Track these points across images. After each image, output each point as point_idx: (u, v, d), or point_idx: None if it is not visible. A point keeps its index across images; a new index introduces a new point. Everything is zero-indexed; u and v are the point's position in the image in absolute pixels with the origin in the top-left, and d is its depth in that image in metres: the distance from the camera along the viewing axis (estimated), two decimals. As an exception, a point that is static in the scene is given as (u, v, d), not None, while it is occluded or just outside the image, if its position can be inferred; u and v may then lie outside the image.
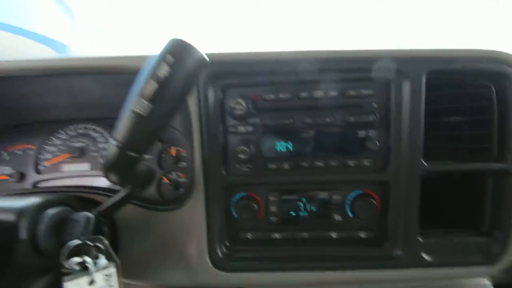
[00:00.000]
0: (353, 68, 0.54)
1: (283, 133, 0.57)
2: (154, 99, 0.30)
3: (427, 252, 0.57)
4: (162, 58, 0.30)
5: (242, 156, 0.55)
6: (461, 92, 0.57)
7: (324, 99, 0.55)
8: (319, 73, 0.54)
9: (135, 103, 0.31)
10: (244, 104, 0.54)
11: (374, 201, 0.57)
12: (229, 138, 0.57)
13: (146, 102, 0.30)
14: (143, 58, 0.42)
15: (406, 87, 0.53)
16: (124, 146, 0.32)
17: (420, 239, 0.57)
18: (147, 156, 0.74)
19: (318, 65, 0.53)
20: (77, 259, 0.43)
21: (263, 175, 0.58)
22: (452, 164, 0.56)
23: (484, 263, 0.57)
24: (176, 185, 0.71)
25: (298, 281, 0.59)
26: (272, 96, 0.55)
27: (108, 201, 0.52)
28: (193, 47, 0.31)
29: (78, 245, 0.44)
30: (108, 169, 0.35)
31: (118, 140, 0.33)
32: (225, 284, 0.60)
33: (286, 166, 0.57)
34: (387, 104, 0.55)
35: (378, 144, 0.56)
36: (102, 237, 0.45)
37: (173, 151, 0.74)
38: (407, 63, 0.53)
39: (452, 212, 0.61)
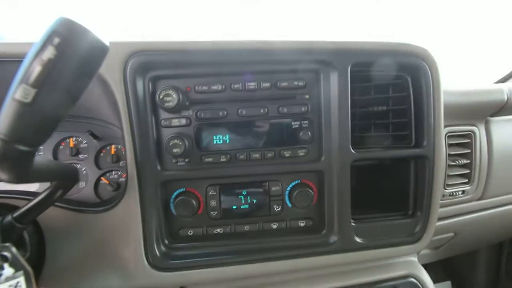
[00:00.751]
0: (283, 60, 0.55)
1: (218, 126, 0.57)
2: (38, 84, 0.28)
3: (360, 236, 0.60)
4: (46, 38, 0.28)
5: (177, 150, 0.54)
6: (384, 83, 0.61)
7: (257, 90, 0.56)
8: (251, 64, 0.55)
9: (17, 90, 0.28)
10: (175, 96, 0.52)
11: (310, 191, 0.59)
12: (162, 132, 0.56)
13: (29, 88, 0.28)
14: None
15: (334, 79, 0.56)
16: (9, 139, 0.29)
17: (353, 224, 0.60)
18: (82, 156, 0.69)
19: (249, 56, 0.54)
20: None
21: (200, 169, 0.57)
22: (378, 151, 0.59)
23: (409, 242, 0.62)
24: (116, 184, 0.68)
25: (240, 274, 0.59)
26: (205, 88, 0.55)
27: (26, 205, 0.47)
28: (85, 28, 0.29)
29: (-21, 255, 0.39)
30: None
31: (1, 133, 0.29)
32: (164, 284, 0.58)
33: (223, 159, 0.57)
34: (318, 95, 0.58)
35: (311, 135, 0.57)
36: (7, 245, 0.41)
37: (112, 149, 0.70)
38: (334, 55, 0.55)
39: (383, 197, 0.66)
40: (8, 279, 0.38)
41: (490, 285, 1.79)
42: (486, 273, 1.78)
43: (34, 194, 0.58)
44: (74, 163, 0.69)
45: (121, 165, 0.69)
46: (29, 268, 0.41)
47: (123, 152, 0.70)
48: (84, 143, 0.70)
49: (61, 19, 0.29)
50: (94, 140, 0.69)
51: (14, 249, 0.41)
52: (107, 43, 0.32)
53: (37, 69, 0.28)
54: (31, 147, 0.32)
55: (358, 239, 0.60)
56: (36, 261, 0.55)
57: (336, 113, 0.56)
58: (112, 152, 0.69)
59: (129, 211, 0.56)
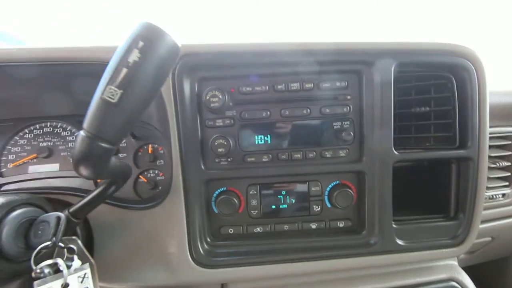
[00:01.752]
0: (326, 61, 0.56)
1: (261, 126, 0.59)
2: (125, 85, 0.30)
3: (400, 238, 0.61)
4: (131, 42, 0.30)
5: (220, 149, 0.56)
6: (427, 84, 0.61)
7: (300, 91, 0.57)
8: (294, 65, 0.56)
9: (104, 90, 0.31)
10: (221, 97, 0.55)
11: (350, 191, 0.59)
12: (207, 132, 0.58)
13: (116, 89, 0.30)
14: (112, 49, 0.42)
15: (377, 79, 0.57)
16: (95, 136, 0.32)
17: (394, 225, 0.60)
18: (121, 155, 0.72)
19: (293, 57, 0.55)
20: (48, 262, 0.41)
21: (242, 168, 0.59)
22: (420, 152, 0.60)
23: (451, 245, 0.62)
24: (153, 183, 0.70)
25: (280, 273, 0.61)
26: (249, 89, 0.57)
27: (81, 201, 0.51)
28: (164, 32, 0.32)
29: (48, 247, 0.42)
30: (78, 161, 0.34)
31: (88, 130, 0.32)
32: (208, 281, 0.61)
33: (265, 158, 0.59)
34: (360, 96, 0.59)
35: (353, 135, 0.58)
36: (75, 238, 0.44)
37: (149, 148, 0.73)
38: (377, 56, 0.56)
39: (423, 199, 0.66)
40: (77, 270, 0.41)
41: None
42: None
43: (82, 190, 0.62)
44: (115, 161, 0.72)
45: (157, 164, 0.72)
46: (92, 260, 0.44)
47: (160, 152, 0.74)
48: (124, 143, 0.73)
49: (144, 23, 0.31)
50: (133, 139, 0.72)
51: (80, 242, 0.44)
52: (180, 45, 0.35)
53: (123, 71, 0.30)
54: (113, 145, 0.34)
55: (399, 241, 0.60)
56: None
57: (378, 114, 0.57)
58: (150, 152, 0.72)
59: (174, 209, 0.58)
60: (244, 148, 0.59)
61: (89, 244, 0.59)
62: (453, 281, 0.64)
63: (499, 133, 0.76)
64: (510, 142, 0.77)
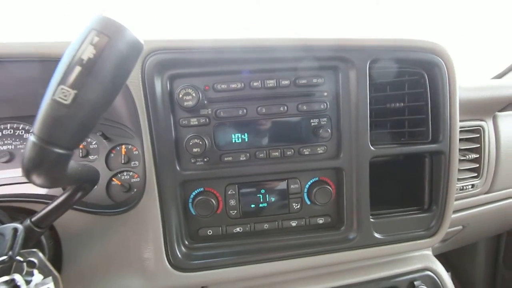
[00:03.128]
0: (303, 57, 0.55)
1: (238, 124, 0.57)
2: (78, 85, 0.27)
3: (378, 232, 0.62)
4: (85, 37, 0.27)
5: (196, 149, 0.54)
6: (401, 80, 0.62)
7: (277, 88, 0.56)
8: (270, 62, 0.55)
9: (56, 90, 0.27)
10: (194, 95, 0.52)
11: (329, 188, 0.59)
12: (181, 131, 0.56)
13: (68, 89, 0.27)
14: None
15: (353, 75, 0.56)
16: (47, 142, 0.29)
17: (371, 219, 0.61)
18: (92, 157, 0.68)
19: (269, 53, 0.54)
20: (4, 279, 0.37)
21: (219, 168, 0.57)
22: (396, 147, 0.61)
23: (425, 237, 0.64)
24: (128, 186, 0.67)
25: (261, 273, 0.60)
26: (224, 86, 0.55)
27: (45, 209, 0.47)
28: (123, 26, 0.29)
29: (3, 262, 0.38)
30: (29, 170, 0.30)
31: (38, 135, 0.29)
32: (186, 285, 0.59)
33: (242, 157, 0.57)
34: (336, 92, 0.58)
35: (330, 132, 0.58)
36: (35, 250, 0.40)
37: (123, 149, 0.69)
38: (353, 52, 0.55)
39: (398, 193, 0.67)
40: (38, 285, 0.38)
41: (489, 275, 1.85)
42: (485, 264, 1.83)
43: (48, 197, 0.58)
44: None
45: (132, 165, 0.69)
46: (56, 273, 0.41)
47: (134, 152, 0.70)
48: (94, 144, 0.69)
49: (100, 16, 0.28)
50: (104, 140, 0.68)
51: (41, 255, 0.40)
52: (142, 41, 0.32)
53: (77, 69, 0.27)
54: (68, 150, 0.31)
55: (376, 235, 0.61)
56: (53, 266, 0.55)
57: (354, 110, 0.57)
58: (123, 153, 0.69)
59: (148, 212, 0.56)
60: (221, 148, 0.57)
61: (57, 254, 0.56)
62: (428, 270, 0.66)
63: (468, 126, 0.79)
64: (478, 135, 0.81)
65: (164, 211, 0.55)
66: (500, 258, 1.80)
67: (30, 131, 0.28)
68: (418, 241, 0.63)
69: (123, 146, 0.69)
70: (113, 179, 0.68)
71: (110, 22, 0.28)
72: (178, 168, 0.56)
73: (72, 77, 0.28)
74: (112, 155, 0.69)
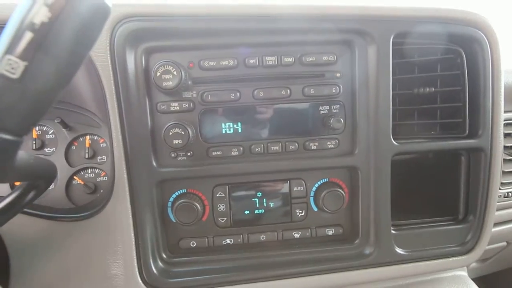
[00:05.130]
0: (310, 29, 0.56)
1: (229, 111, 0.58)
2: (30, 55, 0.28)
3: (400, 246, 0.63)
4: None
5: (177, 141, 0.54)
6: (432, 59, 0.63)
7: (278, 66, 0.57)
8: (270, 33, 0.56)
9: (1, 62, 0.28)
10: (176, 74, 0.53)
11: (341, 191, 0.61)
12: (159, 119, 0.57)
13: (17, 60, 0.28)
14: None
15: (372, 53, 0.57)
16: None
17: (393, 231, 0.62)
18: (48, 149, 0.69)
19: (268, 22, 0.55)
20: None
21: (206, 165, 0.58)
22: (424, 143, 0.62)
23: (459, 253, 0.65)
24: (93, 186, 0.68)
25: None
26: (212, 63, 0.56)
27: None
28: None
29: None
30: None
31: None
32: None
33: (234, 152, 0.59)
34: (351, 73, 0.59)
35: (343, 122, 0.59)
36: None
37: (87, 141, 0.70)
38: (372, 24, 0.56)
39: (426, 199, 0.69)
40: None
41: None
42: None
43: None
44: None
45: (98, 161, 0.70)
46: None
47: (101, 145, 0.71)
48: (51, 133, 0.70)
49: None
50: (64, 130, 0.69)
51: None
52: (110, 4, 0.33)
53: (27, 36, 0.28)
54: (17, 136, 0.32)
55: (399, 250, 0.63)
56: None
57: (374, 96, 0.58)
58: (87, 145, 0.70)
59: (117, 218, 0.57)
60: (208, 140, 0.58)
61: (2, 268, 0.57)
62: (461, 293, 0.68)
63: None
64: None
65: (136, 217, 0.57)
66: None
67: None
68: (450, 259, 0.65)
69: (87, 137, 0.70)
70: (75, 177, 0.69)
71: None
72: (154, 164, 0.57)
73: (21, 46, 0.28)
74: (74, 147, 0.70)
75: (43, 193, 0.50)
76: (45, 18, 0.28)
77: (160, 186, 0.59)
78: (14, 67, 0.28)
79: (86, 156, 0.69)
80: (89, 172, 0.70)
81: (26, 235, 0.57)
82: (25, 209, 0.55)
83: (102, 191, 0.68)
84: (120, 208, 0.56)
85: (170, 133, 0.55)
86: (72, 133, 0.70)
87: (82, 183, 0.68)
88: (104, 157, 0.70)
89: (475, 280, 0.88)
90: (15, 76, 0.29)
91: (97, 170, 0.70)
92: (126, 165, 0.55)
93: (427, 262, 0.64)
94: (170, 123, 0.55)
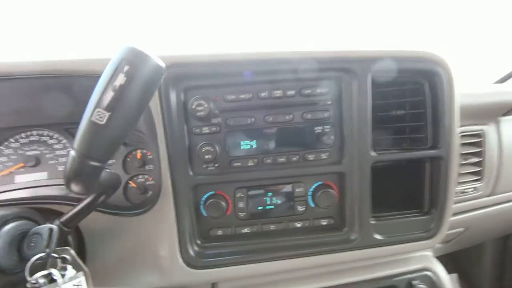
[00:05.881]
0: (308, 69, 0.59)
1: (246, 132, 0.62)
2: (112, 107, 0.32)
3: (378, 233, 0.65)
4: (117, 66, 0.32)
5: (207, 156, 0.58)
6: (402, 88, 0.65)
7: (283, 98, 0.60)
8: (277, 73, 0.59)
9: (92, 112, 0.32)
10: (206, 105, 0.57)
11: (332, 191, 0.63)
12: (194, 139, 0.60)
13: (103, 111, 0.32)
14: (99, 61, 0.43)
15: (355, 85, 0.60)
16: (85, 156, 0.34)
17: (372, 222, 0.65)
18: (110, 161, 0.73)
19: (275, 66, 0.58)
20: (43, 273, 0.43)
21: (229, 173, 0.62)
22: (397, 153, 0.64)
23: (425, 238, 0.67)
24: (143, 188, 0.72)
25: (267, 271, 0.65)
26: (233, 97, 0.59)
27: (72, 210, 0.52)
28: (148, 55, 0.34)
29: (42, 259, 0.44)
30: (70, 179, 0.36)
31: (78, 150, 0.34)
32: (199, 281, 0.64)
33: (251, 163, 0.62)
34: (339, 101, 0.62)
35: (333, 138, 0.62)
36: (68, 248, 0.46)
37: (138, 154, 0.74)
38: (355, 63, 0.59)
39: (399, 196, 0.71)
40: (71, 279, 0.43)
41: (495, 277, 1.85)
42: (491, 265, 1.84)
43: (72, 199, 0.63)
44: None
45: (147, 169, 0.74)
46: (86, 269, 0.46)
47: (149, 156, 0.75)
48: (112, 149, 0.74)
49: (129, 47, 0.33)
50: (122, 146, 0.73)
51: (73, 252, 0.46)
52: (164, 65, 0.37)
53: (110, 94, 0.32)
54: (102, 163, 0.36)
55: (377, 236, 0.65)
56: None
57: (357, 118, 0.61)
58: (138, 157, 0.74)
59: (164, 213, 0.61)
60: (230, 154, 0.62)
61: (81, 251, 0.61)
62: (427, 270, 0.70)
63: (470, 131, 0.82)
64: (479, 140, 0.83)
65: (178, 213, 0.60)
66: (507, 260, 1.80)
67: (72, 147, 0.33)
68: (418, 243, 0.67)
69: (139, 151, 0.74)
70: (130, 182, 0.73)
71: (136, 51, 0.33)
72: (191, 173, 0.60)
73: (106, 101, 0.32)
74: (129, 159, 0.74)
75: (110, 196, 0.55)
76: (122, 82, 0.33)
77: (195, 189, 0.62)
78: (101, 116, 0.33)
79: (138, 165, 0.72)
80: (140, 177, 0.73)
81: (98, 226, 0.61)
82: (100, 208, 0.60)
83: (150, 192, 0.72)
84: (166, 205, 0.60)
85: (203, 150, 0.58)
86: (127, 148, 0.73)
87: (136, 186, 0.72)
88: (151, 166, 0.72)
89: (441, 257, 0.90)
90: (102, 122, 0.33)
91: (146, 176, 0.73)
92: (170, 174, 0.59)
93: (400, 245, 0.66)
94: (202, 142, 0.59)
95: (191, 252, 0.61)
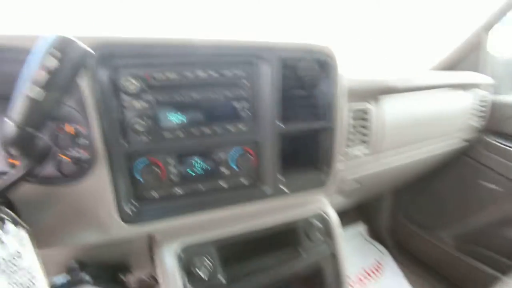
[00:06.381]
0: (228, 54, 0.72)
1: (175, 107, 0.71)
2: (46, 86, 0.39)
3: (286, 186, 0.86)
4: (49, 52, 0.39)
5: (139, 128, 0.67)
6: (304, 73, 0.83)
7: (206, 78, 0.72)
8: (201, 57, 0.70)
9: (29, 88, 0.39)
10: (136, 83, 0.65)
11: (250, 156, 0.80)
12: (125, 113, 0.67)
13: (38, 89, 0.39)
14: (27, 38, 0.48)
15: (267, 69, 0.75)
16: (22, 125, 0.41)
17: (281, 178, 0.84)
18: (41, 134, 0.75)
19: (200, 50, 0.69)
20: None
21: (161, 143, 0.71)
22: (298, 124, 0.84)
23: (320, 188, 0.91)
24: (76, 160, 0.76)
25: (198, 220, 0.79)
26: (161, 75, 0.68)
27: (1, 182, 0.56)
28: (76, 42, 0.41)
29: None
30: (8, 144, 0.42)
31: (15, 120, 0.40)
32: (136, 234, 0.74)
33: (180, 134, 0.72)
34: (254, 81, 0.77)
35: (250, 114, 0.77)
36: (1, 207, 0.51)
37: (68, 128, 0.77)
38: (266, 52, 0.74)
39: (303, 158, 0.92)
40: (13, 235, 0.50)
41: (393, 225, 2.40)
42: (390, 215, 2.38)
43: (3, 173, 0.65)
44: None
45: (79, 142, 0.77)
46: (27, 226, 0.53)
47: (80, 130, 0.78)
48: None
49: (60, 37, 0.40)
50: (52, 119, 0.75)
51: (8, 210, 0.52)
52: (92, 51, 0.45)
53: (43, 74, 0.40)
54: (37, 129, 0.44)
55: (284, 188, 0.85)
56: None
57: (268, 96, 0.77)
58: (69, 131, 0.77)
59: (100, 181, 0.67)
60: (161, 126, 0.70)
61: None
62: (321, 211, 0.95)
63: (359, 108, 1.08)
64: (366, 115, 1.10)
65: (114, 179, 0.67)
66: (401, 210, 2.33)
67: (7, 116, 0.39)
68: (314, 192, 0.91)
69: (68, 125, 0.77)
70: (61, 155, 0.76)
71: (65, 40, 0.41)
72: (124, 144, 0.67)
73: (41, 80, 0.40)
74: (60, 133, 0.77)
75: (40, 167, 0.59)
76: (55, 65, 0.40)
77: (129, 158, 0.70)
78: (37, 92, 0.40)
79: (70, 139, 0.74)
80: (73, 151, 0.76)
81: (32, 198, 0.65)
82: (30, 179, 0.64)
83: (84, 164, 0.76)
84: (101, 173, 0.67)
85: (134, 123, 0.66)
86: (55, 122, 0.76)
87: (68, 159, 0.76)
88: (85, 140, 0.76)
89: (352, 213, 1.17)
90: (38, 99, 0.40)
91: (78, 148, 0.76)
92: (103, 145, 0.65)
93: (301, 194, 0.89)
94: (134, 116, 0.67)
95: (128, 211, 0.70)
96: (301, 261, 0.90)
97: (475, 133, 1.69)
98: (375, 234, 2.41)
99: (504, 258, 1.73)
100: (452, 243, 1.97)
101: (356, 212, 2.45)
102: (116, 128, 0.66)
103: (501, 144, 1.65)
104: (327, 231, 0.94)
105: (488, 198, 1.74)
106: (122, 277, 0.90)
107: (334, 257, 0.94)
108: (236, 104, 0.77)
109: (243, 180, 0.83)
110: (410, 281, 2.05)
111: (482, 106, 1.61)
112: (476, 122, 1.63)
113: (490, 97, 1.64)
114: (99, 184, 0.68)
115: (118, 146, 0.67)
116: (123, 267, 0.93)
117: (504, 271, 1.63)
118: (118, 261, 0.91)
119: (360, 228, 2.42)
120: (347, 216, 2.45)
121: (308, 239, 0.91)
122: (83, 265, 0.77)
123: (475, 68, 1.69)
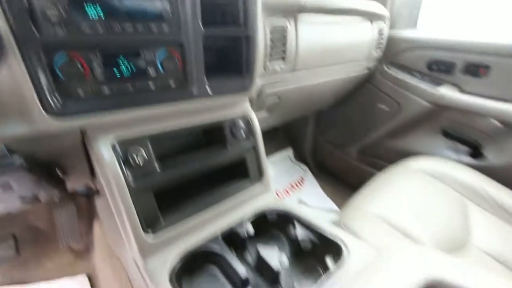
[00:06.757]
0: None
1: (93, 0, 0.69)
2: None
3: (211, 89, 0.97)
4: None
5: (50, 15, 0.64)
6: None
7: None
8: None
9: None
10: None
11: (176, 59, 0.86)
12: (35, 2, 0.63)
13: None
14: None
15: None
16: None
17: (206, 80, 0.95)
18: None
19: None
20: None
21: (78, 36, 0.69)
22: (220, 30, 0.92)
23: (242, 91, 1.06)
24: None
25: (129, 117, 0.85)
26: None
27: None
28: None
29: None
30: None
31: None
32: (64, 128, 0.75)
33: (100, 30, 0.72)
34: None
35: (171, 16, 0.81)
36: None
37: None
38: None
39: (228, 64, 1.04)
40: None
41: (314, 147, 2.85)
42: (312, 139, 2.80)
43: None
44: None
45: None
46: None
47: None
48: None
49: None
50: None
51: None
52: None
53: None
54: None
55: (209, 90, 0.96)
56: None
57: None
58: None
59: (15, 72, 0.65)
60: (78, 19, 0.68)
61: None
62: (245, 113, 1.13)
63: (277, 24, 1.21)
64: (285, 32, 1.25)
65: (30, 71, 0.65)
66: (321, 132, 2.76)
67: None
68: (238, 94, 1.05)
69: None
70: None
71: None
72: (37, 34, 0.65)
73: None
74: None
75: None
76: None
77: (46, 50, 0.67)
78: None
79: None
80: None
81: None
82: None
83: None
84: (14, 63, 0.64)
85: (45, 11, 0.64)
86: None
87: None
88: None
89: (279, 130, 1.34)
90: None
91: None
92: (11, 32, 0.62)
93: (226, 96, 1.02)
94: (45, 5, 0.63)
95: (52, 104, 0.70)
96: (227, 152, 1.09)
97: (375, 62, 2.04)
98: (301, 156, 2.87)
99: (387, 163, 2.33)
100: (355, 156, 2.51)
101: (285, 139, 2.82)
102: (24, 12, 0.63)
103: (394, 72, 2.05)
104: (250, 130, 1.13)
105: (381, 117, 2.22)
106: (59, 173, 0.94)
107: (255, 150, 1.16)
108: (158, 4, 0.79)
109: (171, 83, 0.90)
110: (324, 190, 2.58)
111: (381, 37, 1.92)
112: (376, 53, 1.97)
113: (387, 30, 1.96)
114: (16, 74, 0.65)
115: (29, 34, 0.64)
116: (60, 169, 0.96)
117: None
118: (53, 162, 0.93)
119: (288, 152, 2.84)
120: (277, 142, 2.80)
121: (233, 137, 1.09)
122: (13, 152, 0.76)
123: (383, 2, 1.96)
